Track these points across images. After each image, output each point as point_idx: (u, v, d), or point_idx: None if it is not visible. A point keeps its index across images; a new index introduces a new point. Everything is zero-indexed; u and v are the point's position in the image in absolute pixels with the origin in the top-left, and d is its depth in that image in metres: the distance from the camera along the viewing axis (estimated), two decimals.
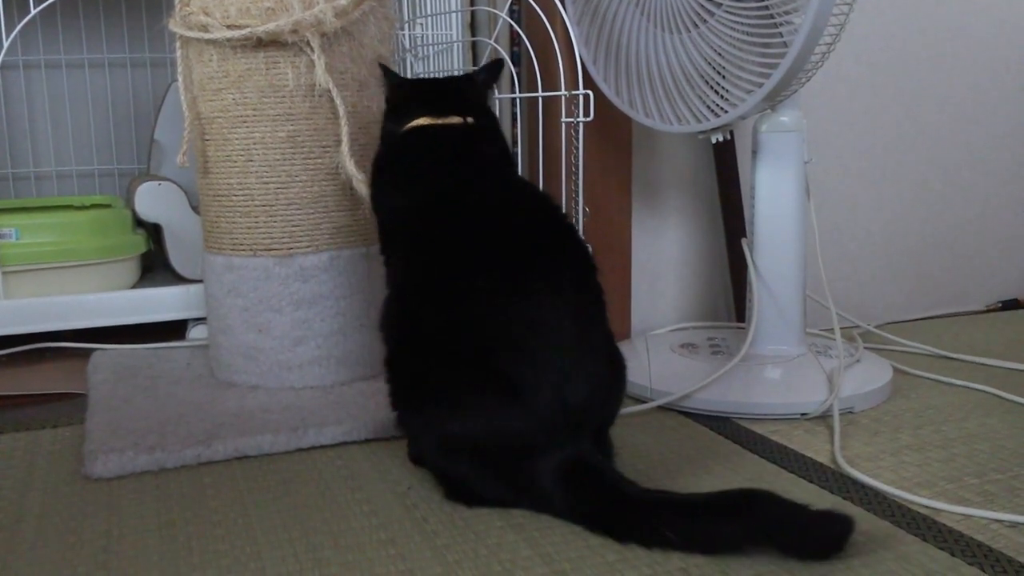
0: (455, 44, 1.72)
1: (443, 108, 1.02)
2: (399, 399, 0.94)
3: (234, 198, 1.23)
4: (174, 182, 1.59)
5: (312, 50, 1.16)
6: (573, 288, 0.90)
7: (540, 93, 1.39)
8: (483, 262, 0.89)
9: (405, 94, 1.06)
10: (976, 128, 1.82)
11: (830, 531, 0.79)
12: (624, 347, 0.97)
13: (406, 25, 1.77)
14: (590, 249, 0.98)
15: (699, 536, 0.80)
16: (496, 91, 1.60)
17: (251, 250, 1.23)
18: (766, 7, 1.11)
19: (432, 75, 1.74)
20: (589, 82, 1.35)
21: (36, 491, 0.96)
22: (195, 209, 1.54)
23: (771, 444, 1.09)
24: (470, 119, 1.01)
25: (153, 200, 1.56)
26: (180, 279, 1.57)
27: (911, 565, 0.79)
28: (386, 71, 1.09)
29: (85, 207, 1.53)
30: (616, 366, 0.94)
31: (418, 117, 1.01)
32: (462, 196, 0.96)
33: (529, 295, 0.87)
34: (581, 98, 1.32)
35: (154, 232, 1.62)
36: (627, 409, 1.19)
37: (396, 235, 1.01)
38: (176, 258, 1.58)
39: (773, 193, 1.28)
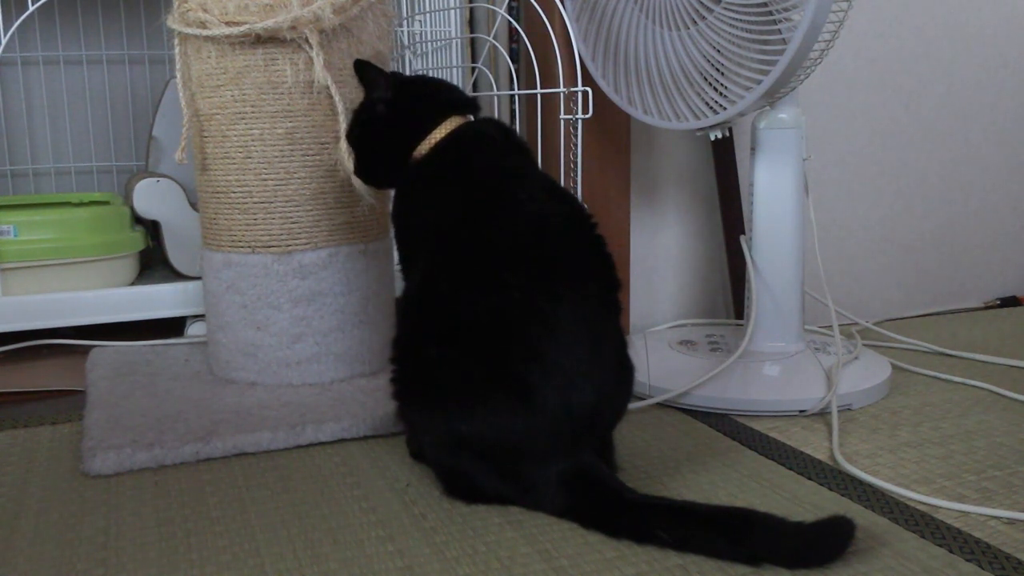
0: (454, 40, 1.71)
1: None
2: (405, 390, 0.93)
3: (232, 195, 1.23)
4: (172, 179, 1.59)
5: (311, 47, 1.16)
6: (595, 300, 0.90)
7: (539, 90, 1.39)
8: (514, 260, 0.89)
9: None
10: (974, 124, 1.82)
11: (829, 545, 0.79)
12: None
13: (405, 21, 1.77)
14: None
15: (692, 544, 0.80)
16: (495, 87, 1.60)
17: (250, 247, 1.23)
18: (765, 4, 1.11)
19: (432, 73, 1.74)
20: (588, 79, 1.35)
21: (35, 488, 0.96)
22: (193, 206, 1.54)
23: (769, 441, 1.09)
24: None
25: (151, 197, 1.56)
26: (178, 276, 1.57)
27: (909, 562, 0.79)
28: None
29: (83, 204, 1.53)
30: (624, 372, 0.94)
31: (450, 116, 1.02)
32: (503, 192, 0.94)
33: (553, 300, 0.87)
34: (580, 95, 1.32)
35: (152, 229, 1.62)
36: None
37: (425, 228, 0.98)
38: (174, 255, 1.58)
39: (772, 190, 1.28)
